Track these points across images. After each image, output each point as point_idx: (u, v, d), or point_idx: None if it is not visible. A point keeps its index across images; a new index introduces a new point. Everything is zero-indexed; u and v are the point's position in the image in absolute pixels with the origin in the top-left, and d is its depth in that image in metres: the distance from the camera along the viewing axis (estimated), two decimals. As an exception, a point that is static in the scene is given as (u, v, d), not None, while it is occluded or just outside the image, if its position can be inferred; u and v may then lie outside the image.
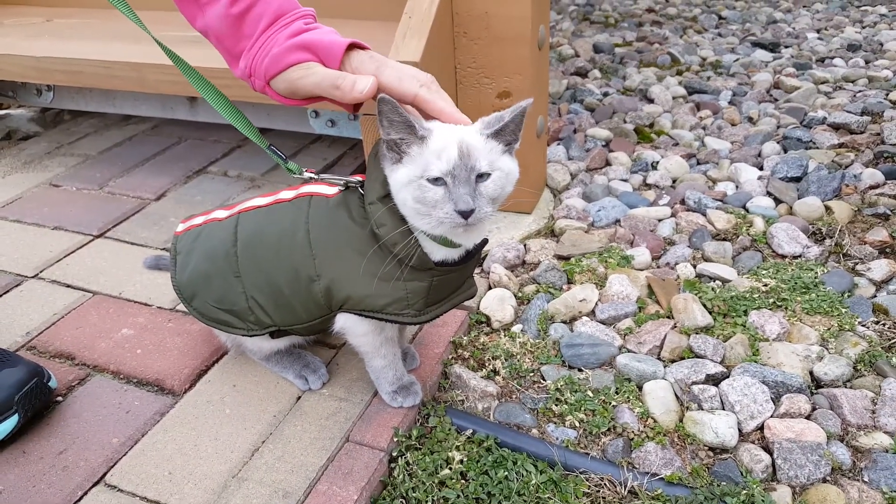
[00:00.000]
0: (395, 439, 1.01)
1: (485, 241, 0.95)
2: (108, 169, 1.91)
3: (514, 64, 1.39)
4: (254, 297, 0.98)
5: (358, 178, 0.94)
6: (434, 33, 1.33)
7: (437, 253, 0.90)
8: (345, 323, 0.98)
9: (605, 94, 2.18)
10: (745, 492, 0.92)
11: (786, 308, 1.26)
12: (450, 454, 0.99)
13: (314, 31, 0.87)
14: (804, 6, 3.39)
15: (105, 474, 0.98)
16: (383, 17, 1.75)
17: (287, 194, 1.00)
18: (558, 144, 1.84)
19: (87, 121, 2.26)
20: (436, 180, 0.81)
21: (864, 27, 3.03)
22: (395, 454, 1.00)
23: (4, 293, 1.40)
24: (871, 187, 1.60)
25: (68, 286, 1.41)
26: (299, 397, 1.10)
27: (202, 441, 1.02)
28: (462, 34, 1.40)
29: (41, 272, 1.47)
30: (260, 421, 1.05)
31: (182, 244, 1.06)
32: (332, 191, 0.96)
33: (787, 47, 2.74)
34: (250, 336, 1.03)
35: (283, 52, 0.84)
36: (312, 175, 0.97)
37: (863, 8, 3.32)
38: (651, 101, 2.14)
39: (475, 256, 0.96)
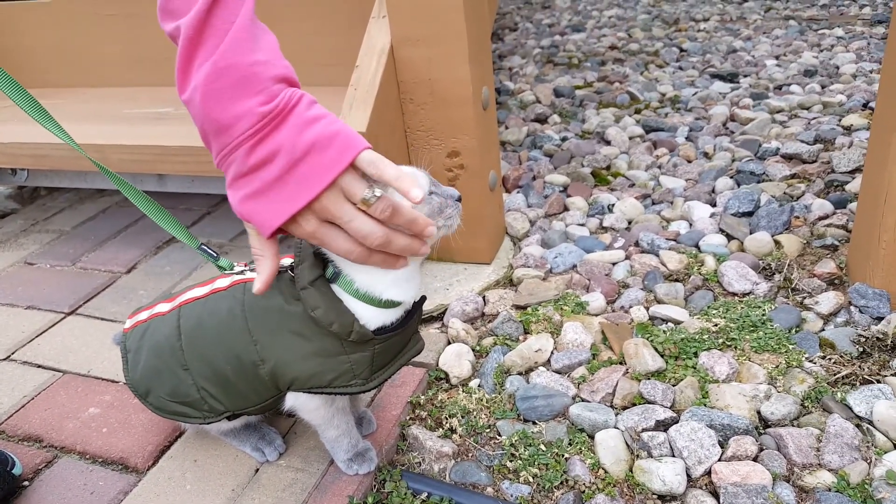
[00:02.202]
0: (351, 507, 1.03)
1: (423, 299, 0.98)
2: (80, 244, 1.96)
3: (461, 125, 1.45)
4: (204, 388, 1.01)
5: (287, 259, 0.97)
6: (380, 101, 1.38)
7: (374, 321, 0.93)
8: (294, 401, 1.01)
9: (564, 139, 2.23)
10: (690, 541, 0.94)
11: (735, 347, 1.29)
12: (404, 519, 1.01)
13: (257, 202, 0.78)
14: (764, 33, 3.48)
15: (66, 561, 1.00)
16: (338, 82, 1.81)
17: (222, 282, 1.03)
18: (518, 192, 1.88)
19: (63, 195, 2.32)
20: (430, 193, 0.88)
21: (821, 51, 3.11)
22: (350, 522, 1.02)
23: (-24, 377, 1.43)
24: (821, 218, 1.64)
25: (39, 366, 1.44)
26: (257, 469, 1.12)
27: (162, 521, 1.04)
28: (409, 100, 1.46)
29: (13, 353, 1.50)
30: (219, 495, 1.07)
31: (131, 342, 1.08)
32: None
33: (745, 76, 2.81)
34: (207, 424, 1.06)
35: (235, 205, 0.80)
36: (243, 268, 1.03)
37: (820, 31, 3.41)
38: (608, 142, 2.20)
39: (415, 316, 0.98)
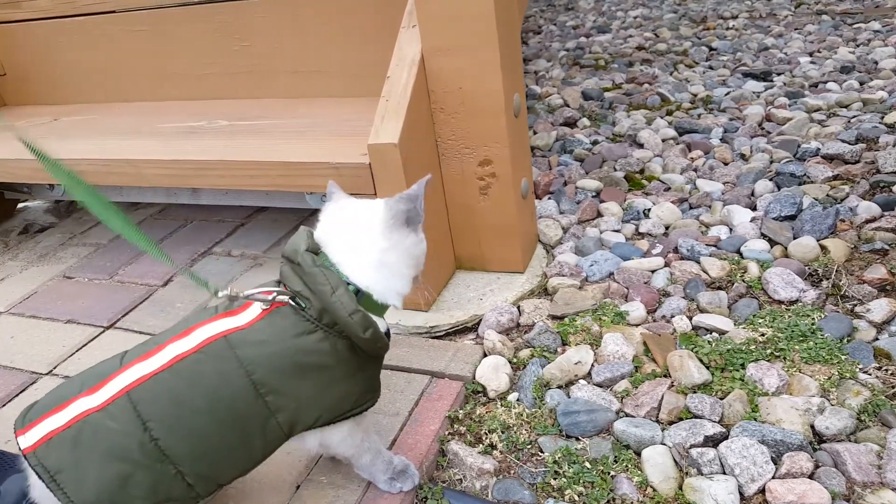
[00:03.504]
0: (393, 526, 1.02)
1: None
2: (117, 257, 1.98)
3: (492, 133, 1.43)
4: (192, 472, 0.87)
5: (281, 291, 0.90)
6: (412, 112, 1.37)
7: (382, 327, 0.96)
8: (321, 439, 0.97)
9: (595, 143, 2.20)
10: (746, 563, 0.90)
11: (784, 358, 1.24)
12: (447, 539, 0.99)
13: None
14: (796, 29, 3.40)
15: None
16: (368, 94, 1.81)
17: (180, 347, 0.89)
18: (549, 198, 1.86)
19: (98, 209, 2.35)
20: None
21: (857, 45, 3.02)
22: (393, 542, 1.00)
23: (21, 391, 1.45)
24: (868, 221, 1.58)
25: (78, 383, 1.46)
26: (298, 486, 1.11)
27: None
28: (440, 110, 1.44)
29: (54, 368, 1.52)
30: (261, 514, 1.07)
31: (54, 459, 0.82)
32: (240, 320, 0.90)
33: (779, 74, 2.74)
34: None
35: None
36: (235, 294, 0.90)
37: (856, 25, 3.32)
38: (641, 145, 2.16)
39: None
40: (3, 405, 1.42)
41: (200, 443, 0.86)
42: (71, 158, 1.72)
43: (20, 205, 2.47)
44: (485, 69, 1.36)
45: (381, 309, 0.95)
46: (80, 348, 1.58)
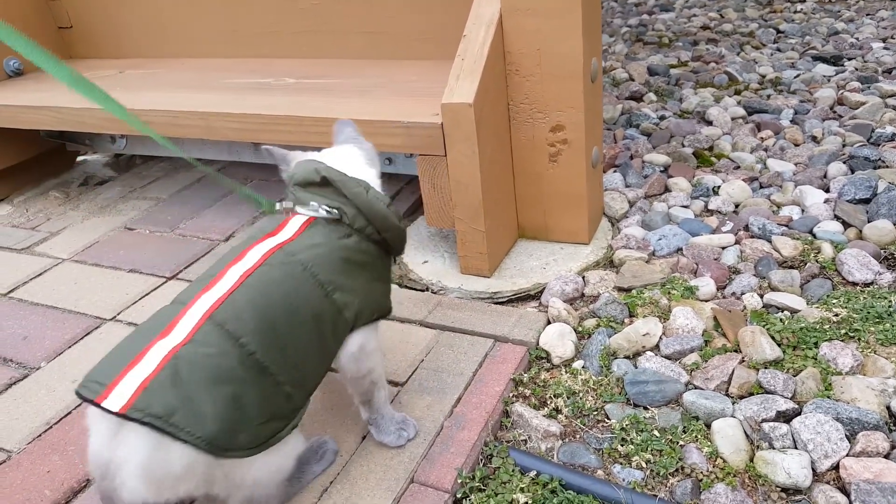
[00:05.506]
0: (459, 480, 1.02)
1: None
2: (178, 211, 2.01)
3: (567, 98, 1.40)
4: (289, 380, 0.88)
5: (325, 207, 0.99)
6: (487, 72, 1.35)
7: None
8: (361, 341, 1.00)
9: (662, 118, 2.15)
10: (823, 538, 0.89)
11: (859, 339, 1.21)
12: (514, 496, 0.99)
13: None
14: (867, 14, 3.28)
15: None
16: (438, 56, 1.79)
17: (242, 266, 0.91)
18: (615, 171, 1.83)
19: (158, 164, 2.38)
20: None
21: (933, 33, 2.90)
22: (459, 496, 1.01)
23: (86, 335, 1.49)
24: (949, 207, 1.52)
25: (145, 327, 1.48)
26: (364, 437, 1.12)
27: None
28: (514, 72, 1.42)
29: (119, 314, 1.55)
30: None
31: (161, 404, 0.77)
32: (285, 235, 0.97)
33: (850, 59, 2.65)
34: (295, 427, 0.90)
35: None
36: (288, 207, 1.01)
37: (932, 13, 3.18)
38: (709, 123, 2.11)
39: None
40: (70, 346, 1.45)
41: (290, 348, 0.88)
42: (139, 109, 1.73)
43: (79, 158, 2.52)
44: (566, 31, 1.34)
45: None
46: (144, 296, 1.61)
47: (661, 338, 1.26)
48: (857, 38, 2.92)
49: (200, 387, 0.79)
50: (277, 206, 1.02)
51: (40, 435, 1.20)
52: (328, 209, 0.98)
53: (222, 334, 0.83)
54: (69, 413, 1.24)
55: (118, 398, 0.76)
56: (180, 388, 0.78)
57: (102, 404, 0.76)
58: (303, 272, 0.92)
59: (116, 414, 0.75)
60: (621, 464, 1.05)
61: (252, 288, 0.88)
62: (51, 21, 2.37)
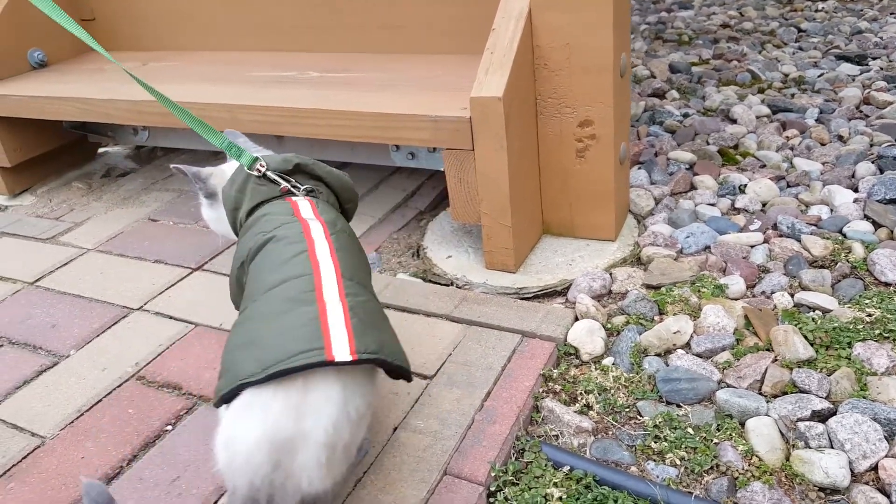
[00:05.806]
0: (493, 474, 1.02)
1: None
2: (201, 203, 2.01)
3: (597, 93, 1.39)
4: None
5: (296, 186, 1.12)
6: (516, 66, 1.35)
7: None
8: None
9: (686, 115, 2.14)
10: (864, 538, 0.88)
11: (894, 340, 1.20)
12: (548, 491, 0.99)
13: None
14: (891, 13, 3.25)
15: (216, 501, 1.02)
16: (460, 51, 1.79)
17: (322, 241, 1.01)
18: (639, 168, 1.82)
19: (179, 157, 2.39)
20: None
21: (958, 33, 2.87)
22: (493, 489, 1.01)
23: (114, 324, 1.49)
24: (981, 208, 1.51)
25: (171, 318, 1.49)
26: (395, 428, 1.12)
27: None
28: (543, 66, 1.41)
29: (145, 304, 1.56)
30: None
31: (373, 343, 0.86)
32: (309, 212, 1.08)
33: (875, 59, 2.62)
34: None
35: None
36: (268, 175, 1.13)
37: (956, 13, 3.15)
38: (734, 121, 2.09)
39: None
40: (98, 335, 1.46)
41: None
42: (167, 101, 1.73)
43: (100, 150, 2.53)
44: (596, 24, 1.33)
45: None
46: (170, 286, 1.61)
47: (691, 336, 1.25)
48: (881, 38, 2.89)
49: (380, 325, 0.90)
50: (258, 164, 1.13)
51: (72, 422, 1.20)
52: (308, 190, 1.14)
53: (358, 285, 0.94)
54: (100, 401, 1.25)
55: (342, 350, 0.80)
56: (371, 328, 0.86)
57: (336, 360, 0.79)
58: (349, 236, 1.08)
59: (349, 363, 0.80)
60: (655, 461, 1.05)
61: (343, 251, 1.00)
62: (73, 13, 2.38)
